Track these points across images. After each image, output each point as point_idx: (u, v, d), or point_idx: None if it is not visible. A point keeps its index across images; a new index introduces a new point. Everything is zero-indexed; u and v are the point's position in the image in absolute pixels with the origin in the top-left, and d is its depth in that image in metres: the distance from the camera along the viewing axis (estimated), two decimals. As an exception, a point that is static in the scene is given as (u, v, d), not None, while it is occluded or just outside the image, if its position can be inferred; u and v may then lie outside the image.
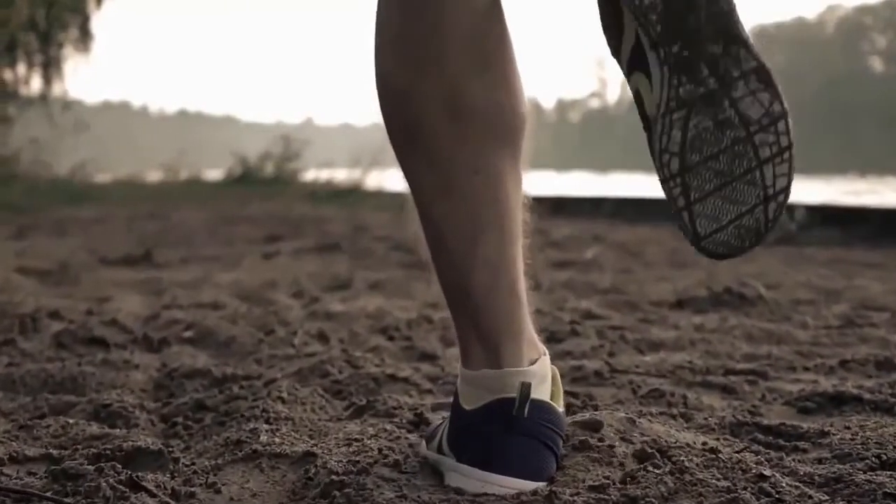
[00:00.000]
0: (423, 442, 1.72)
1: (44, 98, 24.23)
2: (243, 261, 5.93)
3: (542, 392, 1.56)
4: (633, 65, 1.55)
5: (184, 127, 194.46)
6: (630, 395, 2.13)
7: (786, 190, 1.52)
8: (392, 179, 16.69)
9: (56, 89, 24.97)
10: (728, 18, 1.49)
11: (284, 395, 1.95)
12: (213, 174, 20.40)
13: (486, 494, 1.49)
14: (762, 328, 2.91)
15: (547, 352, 1.64)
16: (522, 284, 1.63)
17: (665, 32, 1.49)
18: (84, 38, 25.72)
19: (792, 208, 7.97)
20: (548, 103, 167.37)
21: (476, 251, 1.58)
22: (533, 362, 1.58)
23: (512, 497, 1.47)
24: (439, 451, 1.63)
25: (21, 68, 24.95)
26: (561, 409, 1.61)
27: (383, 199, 13.52)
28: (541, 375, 1.57)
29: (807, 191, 16.07)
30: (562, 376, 1.69)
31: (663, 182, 1.52)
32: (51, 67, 24.96)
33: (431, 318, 3.04)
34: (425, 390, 2.14)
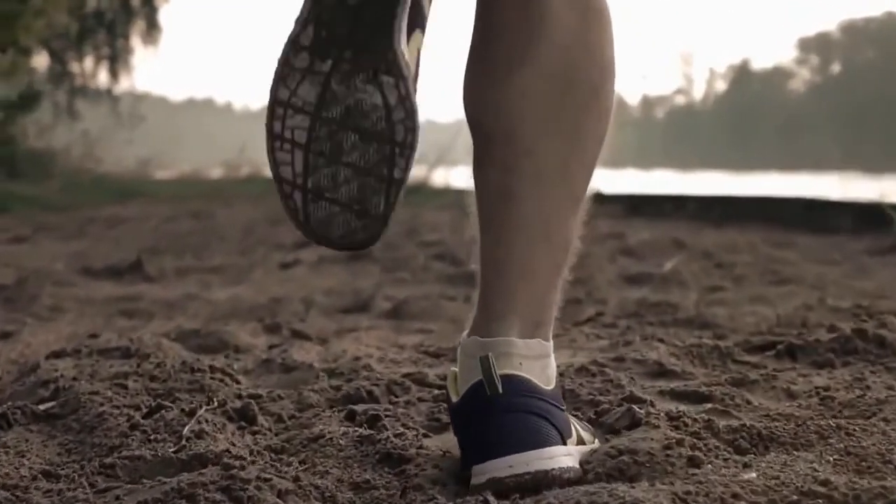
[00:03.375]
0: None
1: (109, 92, 23.73)
2: (255, 272, 5.01)
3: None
4: None
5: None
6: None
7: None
8: (459, 177, 15.78)
9: (124, 83, 24.52)
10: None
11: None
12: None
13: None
14: (925, 401, 1.89)
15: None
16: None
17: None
18: (151, 30, 25.20)
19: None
20: (632, 100, 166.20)
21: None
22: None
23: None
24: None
25: (88, 62, 24.50)
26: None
27: (448, 196, 12.62)
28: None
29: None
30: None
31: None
32: (118, 61, 24.46)
33: (426, 377, 2.07)
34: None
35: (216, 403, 1.77)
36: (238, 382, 2.06)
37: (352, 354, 2.34)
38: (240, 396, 1.90)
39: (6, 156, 13.14)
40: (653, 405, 1.79)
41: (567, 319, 3.67)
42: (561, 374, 1.95)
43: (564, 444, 1.47)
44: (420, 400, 1.89)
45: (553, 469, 1.42)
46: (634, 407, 1.70)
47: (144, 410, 1.73)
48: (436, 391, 1.94)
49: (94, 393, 1.83)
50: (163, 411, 1.70)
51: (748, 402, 1.92)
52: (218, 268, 5.08)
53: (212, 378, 1.96)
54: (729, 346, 2.36)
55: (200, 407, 1.73)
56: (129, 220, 9.05)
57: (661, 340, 2.51)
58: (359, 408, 1.82)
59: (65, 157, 15.58)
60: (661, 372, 2.19)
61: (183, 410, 1.71)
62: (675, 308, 3.62)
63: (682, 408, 1.88)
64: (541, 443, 1.44)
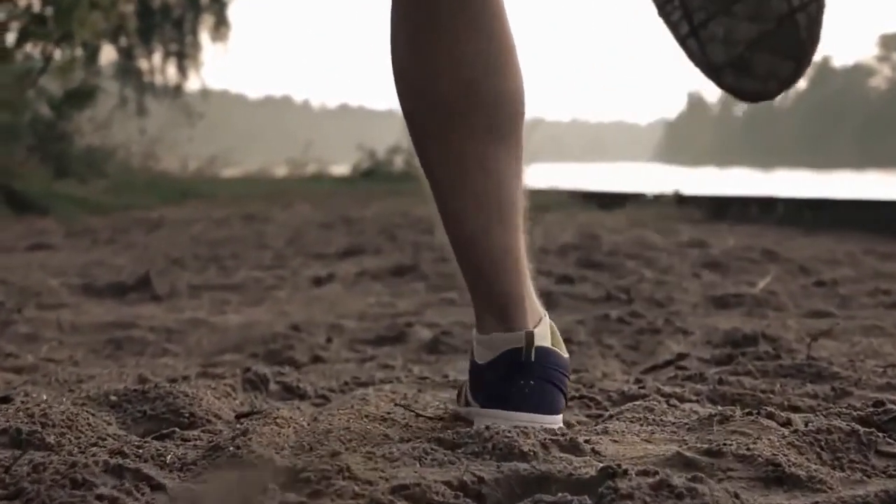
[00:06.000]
0: (456, 402, 2.00)
1: (178, 88, 23.41)
2: (282, 289, 4.36)
3: (544, 342, 1.77)
4: None
5: (343, 121, 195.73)
6: None
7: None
8: (533, 176, 15.09)
9: (193, 80, 24.20)
10: None
11: None
12: (345, 169, 19.13)
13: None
14: None
15: (546, 313, 1.83)
16: (524, 260, 1.81)
17: None
18: (220, 26, 24.84)
19: None
20: (711, 97, 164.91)
21: (487, 239, 1.77)
22: (536, 324, 1.78)
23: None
24: (466, 403, 1.88)
25: (157, 58, 24.17)
26: (565, 354, 1.81)
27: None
28: (542, 335, 1.77)
29: None
30: None
31: (660, 9, 1.36)
32: (186, 57, 24.13)
33: (427, 492, 1.38)
34: None
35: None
36: (157, 489, 1.39)
37: (337, 438, 1.66)
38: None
39: (56, 154, 12.62)
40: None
41: (641, 359, 2.99)
42: (631, 496, 1.29)
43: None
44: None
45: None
46: None
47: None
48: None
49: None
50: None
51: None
52: (239, 285, 4.44)
53: (99, 500, 1.29)
54: (870, 433, 1.66)
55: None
56: (173, 224, 8.48)
57: (770, 416, 1.80)
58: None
59: (123, 155, 15.08)
60: (778, 477, 1.49)
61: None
62: (777, 345, 2.92)
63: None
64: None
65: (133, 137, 16.11)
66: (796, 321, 3.53)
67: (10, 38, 13.07)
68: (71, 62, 13.80)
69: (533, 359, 1.73)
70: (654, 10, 1.37)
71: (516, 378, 1.74)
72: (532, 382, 1.73)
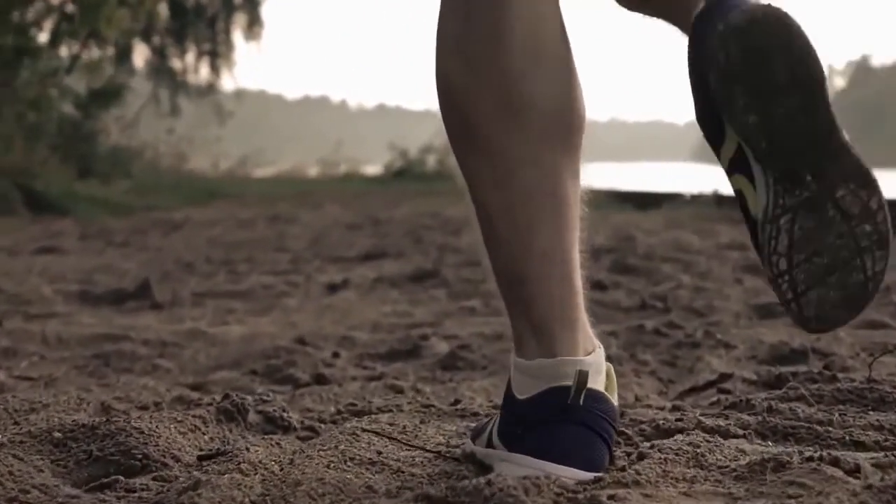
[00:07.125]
0: (469, 439, 1.73)
1: (211, 87, 23.25)
2: (292, 296, 4.07)
3: (597, 383, 1.57)
4: (734, 169, 1.53)
5: (380, 120, 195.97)
6: None
7: (883, 271, 1.53)
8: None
9: (226, 79, 24.06)
10: (830, 128, 1.48)
11: None
12: (378, 169, 18.92)
13: None
14: None
15: (601, 345, 1.62)
16: (578, 275, 1.61)
17: (770, 148, 1.48)
18: (253, 25, 24.66)
19: None
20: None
21: (531, 241, 1.57)
22: (588, 353, 1.58)
23: None
24: (489, 444, 1.65)
25: (190, 57, 24.00)
26: (615, 401, 1.61)
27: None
28: (596, 366, 1.57)
29: None
30: None
31: (772, 279, 1.53)
32: (219, 56, 23.96)
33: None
34: None
35: None
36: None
37: (307, 493, 1.37)
38: None
39: (80, 153, 12.41)
40: None
41: (678, 376, 2.70)
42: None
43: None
44: None
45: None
46: None
47: None
48: None
49: None
50: None
51: None
52: (247, 292, 4.16)
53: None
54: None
55: None
56: (194, 225, 8.22)
57: (834, 462, 1.49)
58: None
59: (151, 155, 14.87)
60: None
61: None
62: (830, 362, 2.62)
63: None
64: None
65: (162, 137, 15.91)
66: (848, 333, 3.21)
67: (42, 37, 12.89)
68: (98, 61, 13.61)
69: (581, 402, 1.53)
70: (766, 277, 1.53)
71: (558, 423, 1.53)
72: (576, 431, 1.53)
